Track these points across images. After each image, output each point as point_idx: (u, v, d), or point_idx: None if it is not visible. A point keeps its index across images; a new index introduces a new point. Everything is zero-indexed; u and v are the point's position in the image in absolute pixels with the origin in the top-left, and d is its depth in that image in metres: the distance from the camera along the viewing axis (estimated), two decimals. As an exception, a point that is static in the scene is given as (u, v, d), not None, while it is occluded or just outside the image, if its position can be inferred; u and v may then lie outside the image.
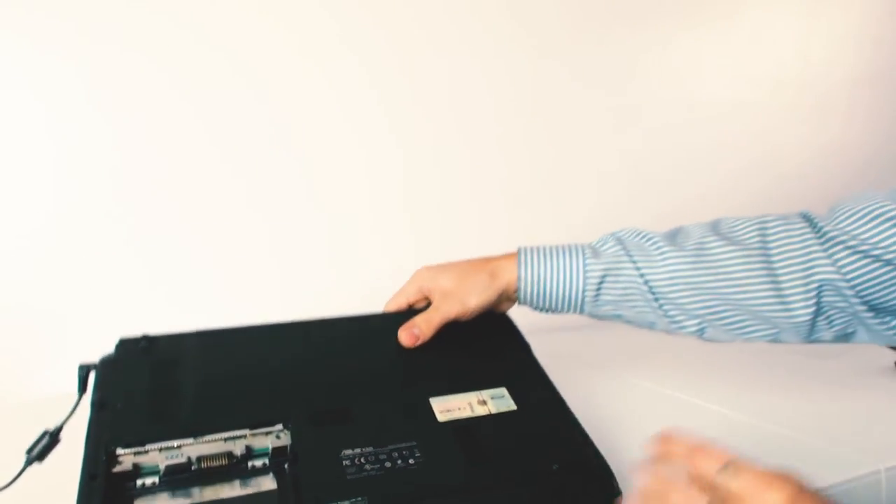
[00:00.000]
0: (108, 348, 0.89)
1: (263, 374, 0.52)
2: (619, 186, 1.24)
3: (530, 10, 1.13)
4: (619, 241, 0.60)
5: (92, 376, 0.49)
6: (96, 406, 0.47)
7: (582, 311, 0.61)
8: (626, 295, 0.58)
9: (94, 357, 0.89)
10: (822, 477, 0.52)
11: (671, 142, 1.29)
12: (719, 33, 1.32)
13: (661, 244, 0.58)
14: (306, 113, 0.99)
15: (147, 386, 0.49)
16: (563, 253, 0.60)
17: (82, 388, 0.48)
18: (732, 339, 0.58)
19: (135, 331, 0.91)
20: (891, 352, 0.94)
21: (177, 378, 0.50)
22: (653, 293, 0.57)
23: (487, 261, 0.62)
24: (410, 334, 0.57)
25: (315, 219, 1.01)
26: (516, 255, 0.61)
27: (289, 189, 0.99)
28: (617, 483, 0.47)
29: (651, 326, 0.60)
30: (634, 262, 0.58)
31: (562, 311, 0.61)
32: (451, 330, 0.59)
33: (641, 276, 0.58)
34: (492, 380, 0.53)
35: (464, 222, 1.11)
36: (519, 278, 0.60)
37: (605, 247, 0.61)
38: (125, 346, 0.52)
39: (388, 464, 0.44)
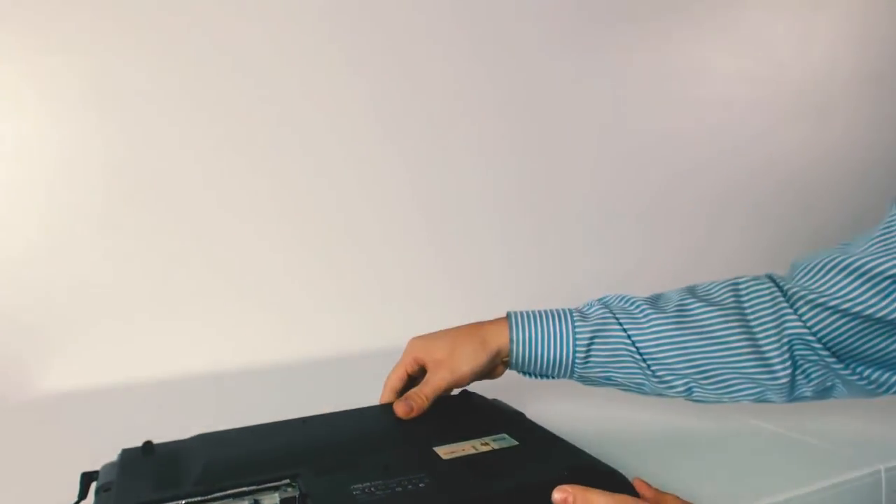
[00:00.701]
0: (109, 348, 0.90)
1: (267, 453, 0.53)
2: (619, 186, 1.24)
3: (530, 11, 1.13)
4: (605, 305, 0.62)
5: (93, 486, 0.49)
6: (100, 490, 0.47)
7: (573, 375, 0.62)
8: (615, 357, 0.60)
9: (95, 356, 0.89)
10: (822, 477, 0.52)
11: (672, 142, 1.29)
12: (719, 33, 1.32)
13: (644, 307, 0.60)
14: (309, 118, 0.99)
15: (151, 474, 0.50)
16: (552, 316, 0.62)
17: (83, 494, 0.48)
18: (719, 398, 0.59)
19: (134, 331, 0.91)
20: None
21: (181, 466, 0.51)
22: (640, 354, 0.59)
23: (478, 326, 0.63)
24: (405, 405, 0.58)
25: (316, 221, 1.01)
26: (506, 320, 0.62)
27: (289, 193, 0.99)
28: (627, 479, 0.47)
29: (640, 388, 0.61)
30: (621, 324, 0.60)
31: (553, 374, 0.63)
32: (446, 409, 0.60)
33: (629, 337, 0.59)
34: (492, 431, 0.54)
35: (465, 222, 1.11)
36: (511, 341, 0.61)
37: (591, 310, 0.62)
38: (127, 454, 0.53)
39: (398, 489, 0.45)
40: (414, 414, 0.58)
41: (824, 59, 1.45)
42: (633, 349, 0.59)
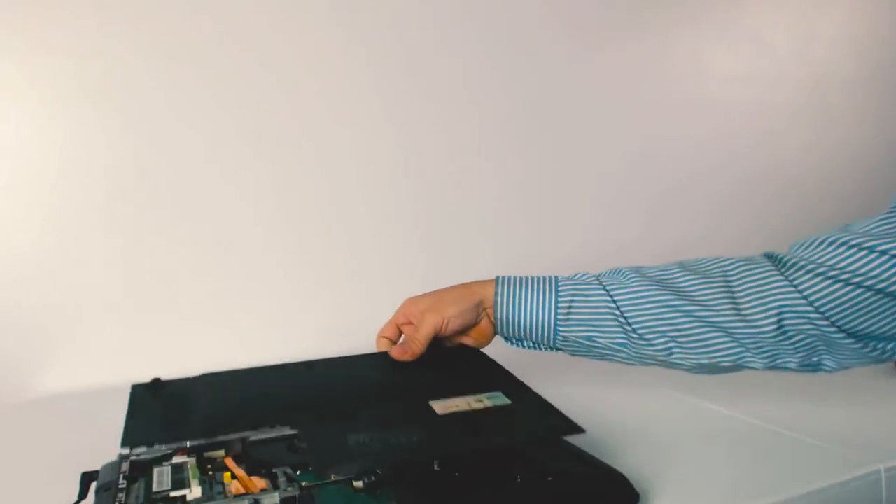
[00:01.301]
0: (109, 348, 0.90)
1: (270, 398, 0.55)
2: (618, 187, 1.24)
3: (531, 13, 1.13)
4: (590, 273, 0.66)
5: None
6: (100, 490, 0.48)
7: (555, 338, 0.64)
8: (597, 315, 0.62)
9: (95, 356, 0.89)
10: (823, 477, 0.52)
11: (673, 143, 1.29)
12: (719, 33, 1.32)
13: (629, 273, 0.63)
14: (314, 119, 0.99)
15: (159, 414, 0.51)
16: (538, 279, 0.65)
17: (83, 494, 0.49)
18: (698, 360, 0.60)
19: (135, 331, 0.91)
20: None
21: (188, 407, 0.53)
22: (621, 311, 0.61)
23: (466, 283, 0.67)
24: (400, 348, 0.64)
25: (320, 223, 1.01)
26: (493, 280, 0.66)
27: (291, 194, 0.99)
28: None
29: (620, 350, 0.62)
30: (603, 285, 0.63)
31: (536, 337, 0.65)
32: (443, 361, 0.63)
33: (610, 296, 0.62)
34: (488, 388, 0.56)
35: (464, 222, 1.11)
36: (496, 294, 0.65)
37: (577, 275, 0.66)
38: (137, 389, 0.54)
39: (392, 440, 0.47)
40: (408, 357, 0.63)
41: (824, 59, 1.45)
42: (614, 306, 0.61)
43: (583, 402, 0.76)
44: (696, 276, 0.61)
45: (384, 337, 0.68)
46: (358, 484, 0.47)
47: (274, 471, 0.49)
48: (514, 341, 0.67)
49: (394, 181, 1.05)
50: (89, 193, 0.88)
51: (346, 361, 0.65)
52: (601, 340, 0.62)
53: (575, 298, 0.63)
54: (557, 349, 0.66)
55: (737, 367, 0.60)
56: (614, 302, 0.61)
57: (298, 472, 0.50)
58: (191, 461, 0.52)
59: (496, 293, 0.65)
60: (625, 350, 0.62)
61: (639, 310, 0.60)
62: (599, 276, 0.65)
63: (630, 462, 0.52)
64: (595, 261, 1.22)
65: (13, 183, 0.85)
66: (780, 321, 0.56)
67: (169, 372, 0.91)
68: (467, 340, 0.69)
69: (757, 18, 1.36)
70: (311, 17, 0.98)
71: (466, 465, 0.50)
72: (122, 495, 0.46)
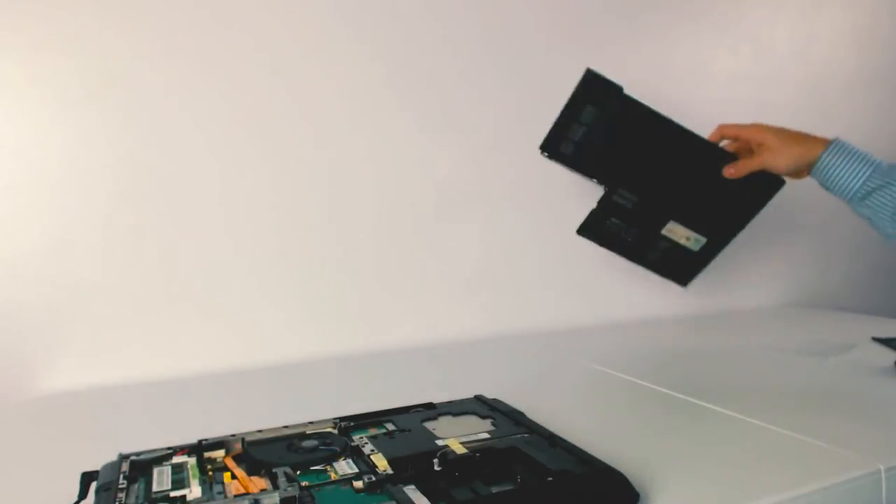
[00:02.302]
0: (109, 348, 0.90)
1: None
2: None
3: (531, 13, 1.13)
4: None
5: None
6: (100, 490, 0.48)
7: (850, 202, 0.79)
8: (883, 208, 0.75)
9: (95, 356, 0.89)
10: (823, 477, 0.52)
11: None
12: (719, 33, 1.32)
13: None
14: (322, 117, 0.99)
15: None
16: (860, 159, 0.78)
17: (83, 494, 0.49)
18: None
19: (135, 331, 0.91)
20: (891, 352, 0.94)
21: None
22: None
23: (808, 138, 0.80)
24: (730, 169, 0.83)
25: (320, 223, 1.01)
26: (828, 141, 0.79)
27: (292, 194, 0.99)
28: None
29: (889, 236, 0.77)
30: None
31: (835, 194, 0.80)
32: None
33: None
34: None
35: (465, 222, 1.11)
36: (818, 160, 0.79)
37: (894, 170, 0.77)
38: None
39: None
40: (736, 176, 0.82)
41: (824, 59, 1.45)
42: None
43: (582, 401, 0.76)
44: None
45: (721, 135, 0.85)
46: (358, 484, 0.47)
47: (274, 471, 0.49)
48: (819, 182, 0.81)
49: (395, 182, 1.05)
50: (89, 193, 0.88)
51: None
52: (878, 224, 0.77)
53: (874, 192, 0.75)
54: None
55: None
56: None
57: (298, 472, 0.50)
58: (191, 461, 0.52)
59: (820, 158, 0.78)
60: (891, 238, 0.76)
61: None
62: None
63: (630, 462, 0.52)
64: (595, 261, 1.22)
65: (13, 183, 0.85)
66: None
67: (169, 372, 0.92)
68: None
69: (757, 18, 1.36)
70: (312, 14, 0.98)
71: (466, 465, 0.50)
72: (122, 495, 0.46)
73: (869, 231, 0.82)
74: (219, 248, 0.95)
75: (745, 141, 0.84)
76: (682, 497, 0.49)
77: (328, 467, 0.51)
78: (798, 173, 0.82)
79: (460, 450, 0.51)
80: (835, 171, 0.78)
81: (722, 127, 0.85)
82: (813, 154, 0.79)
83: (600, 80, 0.84)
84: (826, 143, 0.79)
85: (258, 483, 0.48)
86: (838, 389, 0.77)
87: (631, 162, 0.85)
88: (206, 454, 0.54)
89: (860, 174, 0.77)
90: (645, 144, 0.85)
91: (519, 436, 0.55)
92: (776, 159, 0.80)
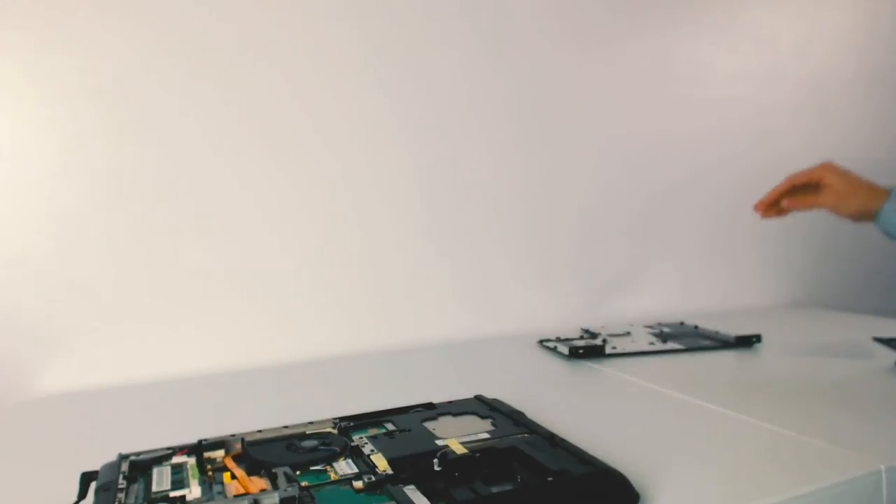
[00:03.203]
0: (109, 348, 0.90)
1: None
2: (619, 185, 1.24)
3: (531, 14, 1.13)
4: None
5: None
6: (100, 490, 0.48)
7: None
8: None
9: (95, 356, 0.89)
10: (823, 477, 0.52)
11: (673, 143, 1.29)
12: (719, 33, 1.32)
13: None
14: (318, 123, 0.99)
15: None
16: None
17: (83, 494, 0.49)
18: None
19: (134, 331, 0.91)
20: (891, 352, 0.94)
21: None
22: None
23: (872, 187, 0.83)
24: (787, 202, 0.86)
25: (319, 222, 1.01)
26: (888, 193, 0.81)
27: (292, 194, 0.99)
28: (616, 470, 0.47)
29: None
30: None
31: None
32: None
33: None
34: None
35: (471, 222, 1.11)
36: (881, 211, 0.81)
37: None
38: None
39: None
40: (794, 208, 0.86)
41: (825, 58, 1.45)
42: None
43: (582, 402, 0.76)
44: None
45: (783, 191, 0.87)
46: (358, 484, 0.47)
47: (274, 471, 0.49)
48: (880, 230, 0.83)
49: (400, 183, 1.05)
50: (88, 193, 0.88)
51: None
52: None
53: None
54: None
55: None
56: None
57: (298, 472, 0.50)
58: (190, 461, 0.52)
59: (882, 210, 0.80)
60: None
61: None
62: None
63: (630, 462, 0.52)
64: (595, 260, 1.22)
65: (13, 183, 0.85)
66: None
67: (170, 372, 0.92)
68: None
69: (757, 18, 1.36)
70: (312, 16, 0.98)
71: (466, 465, 0.50)
72: (121, 495, 0.46)
73: (869, 231, 0.83)
74: (218, 248, 0.95)
75: (810, 179, 0.86)
76: (682, 497, 0.49)
77: (328, 467, 0.51)
78: (859, 219, 0.84)
79: (460, 450, 0.51)
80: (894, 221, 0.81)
81: (791, 178, 0.87)
82: (876, 205, 0.81)
83: None
84: (888, 193, 0.81)
85: (258, 483, 0.48)
86: (838, 389, 0.77)
87: None
88: (206, 454, 0.54)
89: None
90: None
91: (519, 436, 0.55)
92: (840, 205, 0.83)
